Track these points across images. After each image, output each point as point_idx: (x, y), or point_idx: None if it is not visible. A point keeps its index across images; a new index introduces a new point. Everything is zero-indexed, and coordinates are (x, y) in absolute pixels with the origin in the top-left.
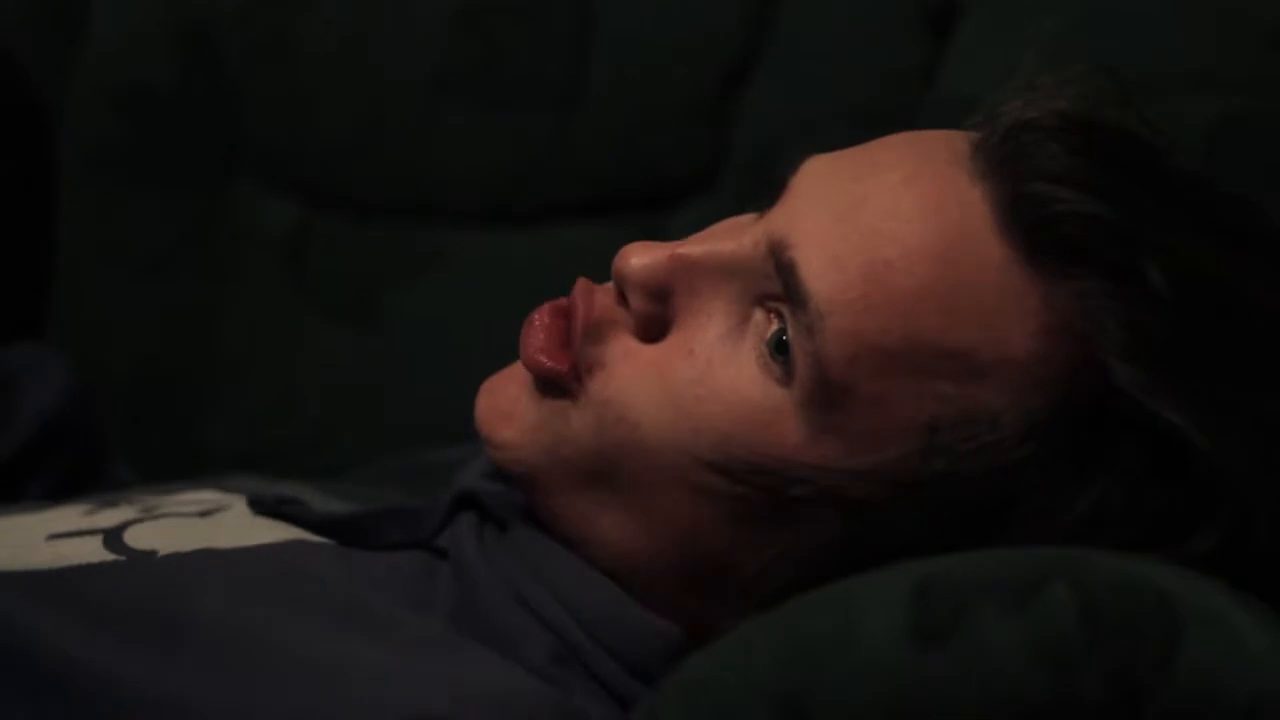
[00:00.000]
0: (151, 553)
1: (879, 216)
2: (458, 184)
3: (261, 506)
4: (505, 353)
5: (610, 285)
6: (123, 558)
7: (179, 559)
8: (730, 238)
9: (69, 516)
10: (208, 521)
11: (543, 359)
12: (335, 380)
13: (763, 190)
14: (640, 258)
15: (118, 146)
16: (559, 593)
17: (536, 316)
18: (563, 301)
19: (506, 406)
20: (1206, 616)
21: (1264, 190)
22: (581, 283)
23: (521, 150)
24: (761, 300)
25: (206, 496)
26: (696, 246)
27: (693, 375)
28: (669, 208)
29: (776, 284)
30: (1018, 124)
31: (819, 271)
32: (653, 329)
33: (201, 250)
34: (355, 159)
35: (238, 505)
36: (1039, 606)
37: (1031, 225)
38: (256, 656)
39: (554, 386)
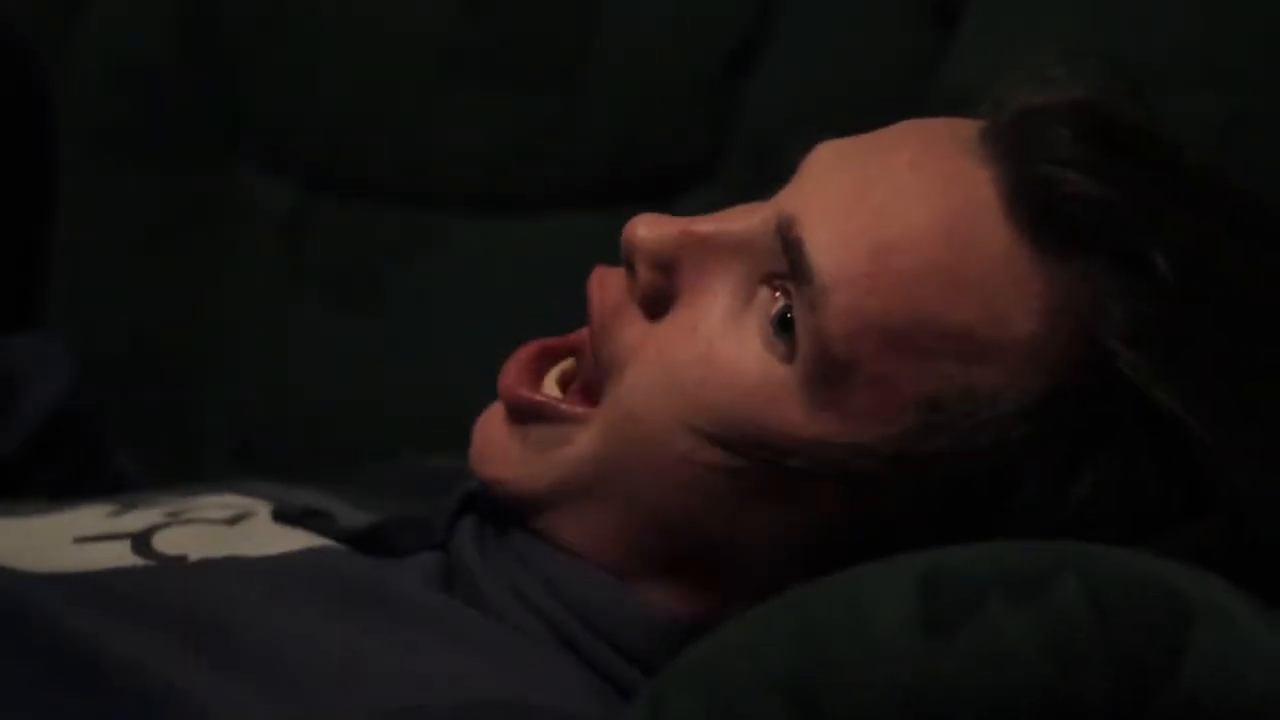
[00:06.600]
0: (181, 558)
1: (885, 198)
2: (459, 166)
3: (286, 518)
4: (503, 339)
5: (620, 270)
6: (153, 562)
7: (210, 564)
8: (741, 218)
9: (92, 519)
10: (234, 529)
11: (521, 392)
12: (333, 364)
13: (766, 177)
14: (650, 229)
15: (116, 123)
16: (553, 585)
17: (519, 352)
18: (549, 341)
19: (491, 445)
20: (1214, 612)
21: (1274, 189)
22: (597, 271)
23: (524, 133)
24: (768, 279)
25: (230, 501)
26: (707, 224)
27: (694, 355)
28: (672, 194)
29: (783, 262)
30: (1026, 110)
31: (824, 248)
32: (657, 303)
33: (200, 230)
34: (356, 139)
35: (262, 513)
36: (1050, 598)
37: (1036, 207)
38: (300, 655)
39: (535, 416)
